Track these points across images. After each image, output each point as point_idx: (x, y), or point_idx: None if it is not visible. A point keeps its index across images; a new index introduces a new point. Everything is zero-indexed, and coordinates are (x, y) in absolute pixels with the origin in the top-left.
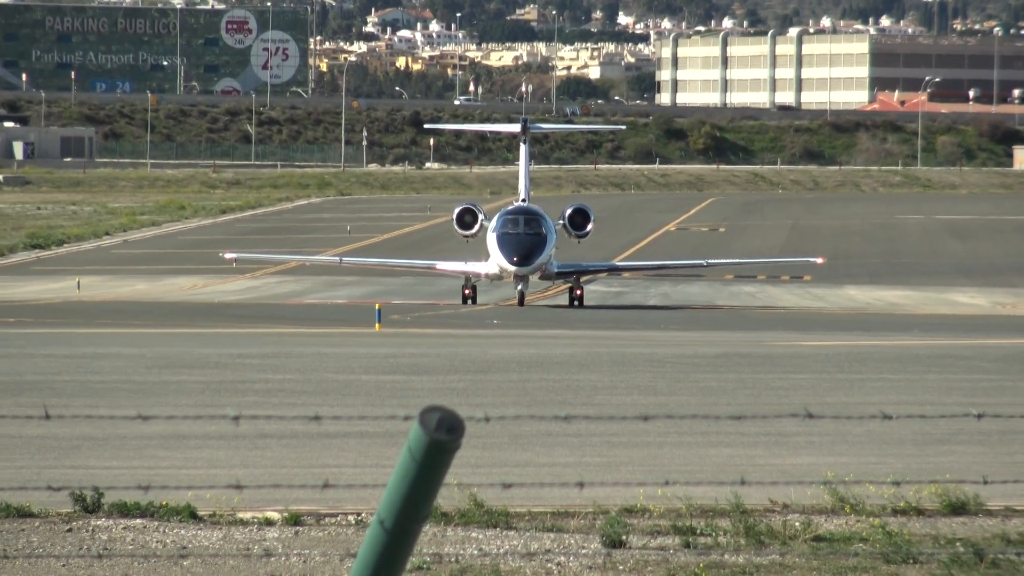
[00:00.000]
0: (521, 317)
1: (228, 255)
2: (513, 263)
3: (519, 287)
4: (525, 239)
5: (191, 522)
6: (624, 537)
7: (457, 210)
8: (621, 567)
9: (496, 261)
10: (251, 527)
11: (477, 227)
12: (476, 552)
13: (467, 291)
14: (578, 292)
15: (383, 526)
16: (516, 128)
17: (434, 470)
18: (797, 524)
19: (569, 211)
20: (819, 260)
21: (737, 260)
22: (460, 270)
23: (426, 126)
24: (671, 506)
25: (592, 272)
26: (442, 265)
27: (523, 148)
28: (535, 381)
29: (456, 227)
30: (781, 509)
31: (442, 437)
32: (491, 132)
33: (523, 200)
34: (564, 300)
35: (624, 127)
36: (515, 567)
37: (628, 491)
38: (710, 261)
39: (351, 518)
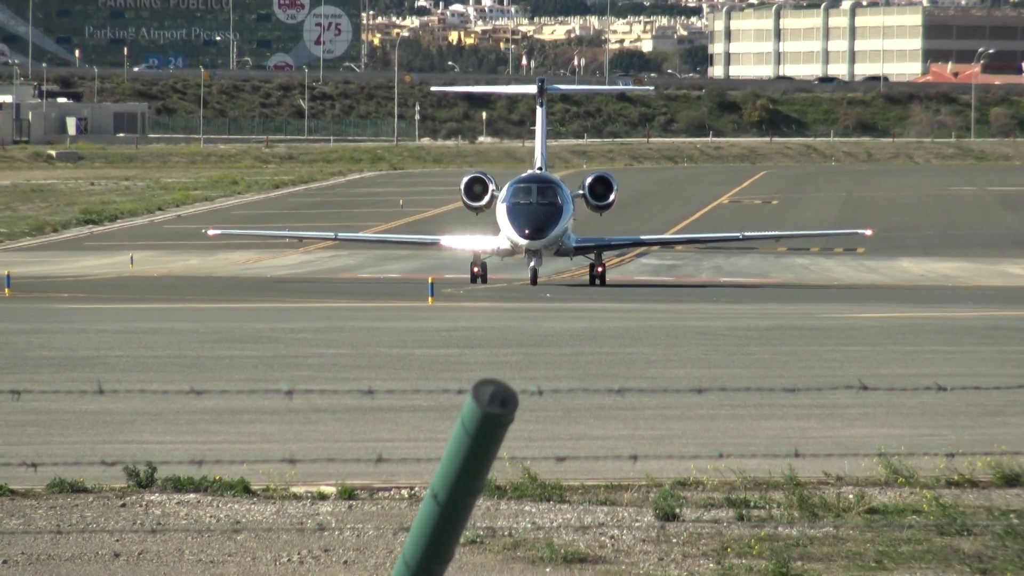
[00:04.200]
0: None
1: (212, 231)
2: (524, 236)
3: (531, 263)
4: (538, 210)
5: (244, 497)
6: (678, 510)
7: (465, 179)
8: (675, 540)
9: (506, 234)
10: (304, 501)
11: (488, 198)
12: (529, 526)
13: (476, 268)
14: (599, 269)
15: (437, 500)
16: (532, 89)
17: (488, 444)
18: (851, 496)
19: (590, 180)
20: (868, 232)
21: (777, 232)
22: (468, 246)
23: (433, 88)
24: (725, 479)
25: (615, 247)
26: (447, 240)
27: (539, 111)
28: (588, 354)
29: (464, 198)
30: (835, 481)
31: (496, 410)
32: (506, 94)
33: (539, 168)
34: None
35: (652, 88)
36: (568, 540)
37: (681, 464)
38: (746, 234)
39: (404, 492)
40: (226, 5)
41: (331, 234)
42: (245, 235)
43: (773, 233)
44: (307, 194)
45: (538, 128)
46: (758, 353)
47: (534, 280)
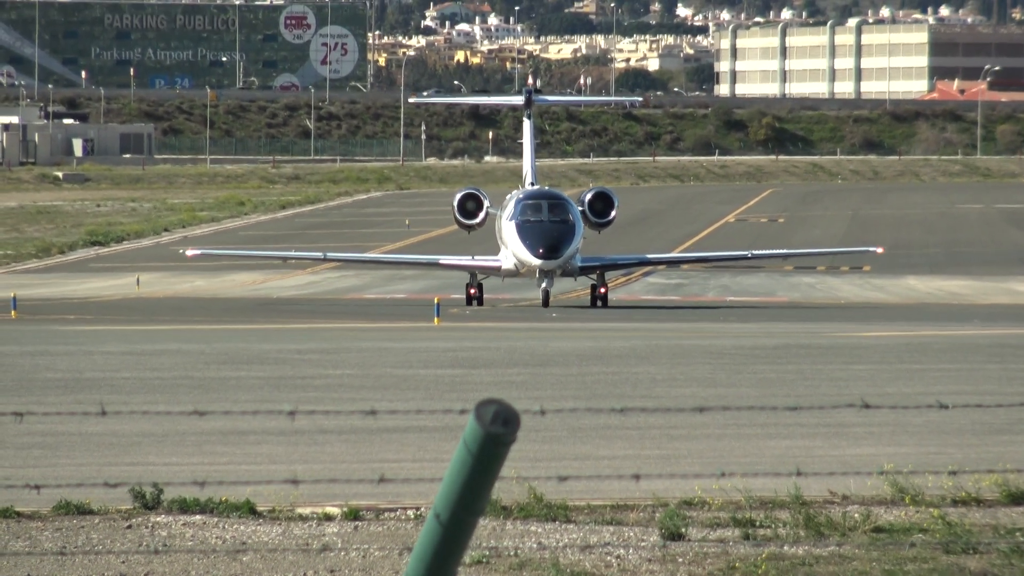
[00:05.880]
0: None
1: (190, 252)
2: (538, 255)
3: (543, 284)
4: (550, 227)
5: (250, 518)
6: (683, 529)
7: (458, 196)
8: (680, 560)
9: (515, 253)
10: (310, 522)
11: (482, 215)
12: (535, 545)
13: (473, 290)
14: (602, 290)
15: (439, 520)
16: (519, 100)
17: (490, 463)
18: (856, 515)
19: (589, 196)
20: (879, 250)
21: (786, 251)
22: (467, 264)
23: (411, 100)
24: (730, 498)
25: (621, 266)
26: (447, 260)
27: (527, 123)
28: (594, 374)
29: (457, 216)
30: (841, 500)
31: (498, 430)
32: (492, 105)
33: (531, 183)
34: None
35: (639, 99)
36: (574, 560)
37: (687, 484)
38: (755, 252)
39: (410, 512)
40: (232, 26)
41: (320, 254)
42: (227, 255)
43: (782, 251)
44: (314, 215)
45: (526, 141)
46: (764, 372)
47: (546, 302)
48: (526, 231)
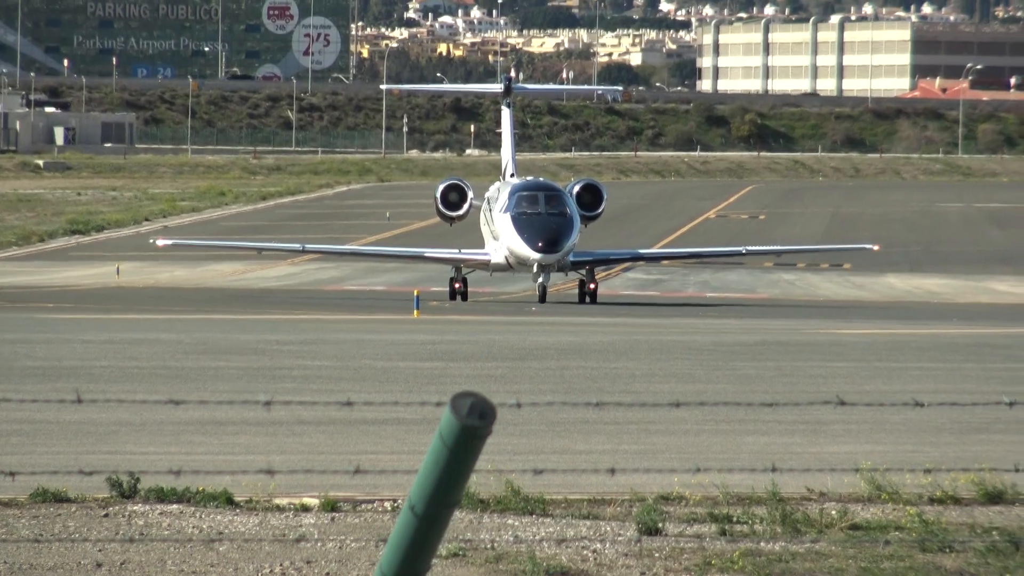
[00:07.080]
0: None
1: (160, 242)
2: (537, 249)
3: (540, 279)
4: (549, 220)
5: (227, 508)
6: (660, 524)
7: (441, 187)
8: (657, 554)
9: (509, 247)
10: (287, 513)
11: (466, 207)
12: (512, 539)
13: (457, 284)
14: (591, 286)
15: (414, 512)
16: (498, 88)
17: (465, 456)
18: (833, 512)
19: (577, 188)
20: (875, 247)
21: (778, 247)
22: (454, 258)
23: (383, 87)
24: (708, 494)
25: (612, 261)
26: (432, 252)
27: (506, 112)
28: (573, 369)
29: (440, 207)
30: (818, 497)
31: (473, 423)
32: (471, 93)
33: (511, 174)
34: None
35: (619, 89)
36: (551, 554)
37: (664, 478)
38: (749, 248)
39: (387, 504)
40: (215, 16)
41: (298, 246)
42: (200, 246)
43: (776, 248)
44: (294, 206)
45: (505, 131)
46: (743, 368)
47: (543, 297)
48: (523, 224)
